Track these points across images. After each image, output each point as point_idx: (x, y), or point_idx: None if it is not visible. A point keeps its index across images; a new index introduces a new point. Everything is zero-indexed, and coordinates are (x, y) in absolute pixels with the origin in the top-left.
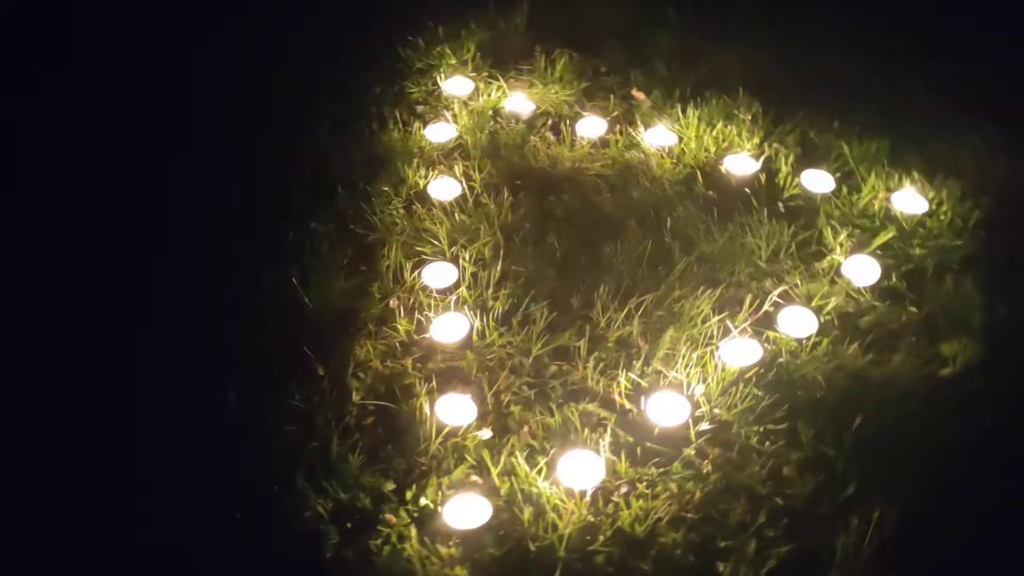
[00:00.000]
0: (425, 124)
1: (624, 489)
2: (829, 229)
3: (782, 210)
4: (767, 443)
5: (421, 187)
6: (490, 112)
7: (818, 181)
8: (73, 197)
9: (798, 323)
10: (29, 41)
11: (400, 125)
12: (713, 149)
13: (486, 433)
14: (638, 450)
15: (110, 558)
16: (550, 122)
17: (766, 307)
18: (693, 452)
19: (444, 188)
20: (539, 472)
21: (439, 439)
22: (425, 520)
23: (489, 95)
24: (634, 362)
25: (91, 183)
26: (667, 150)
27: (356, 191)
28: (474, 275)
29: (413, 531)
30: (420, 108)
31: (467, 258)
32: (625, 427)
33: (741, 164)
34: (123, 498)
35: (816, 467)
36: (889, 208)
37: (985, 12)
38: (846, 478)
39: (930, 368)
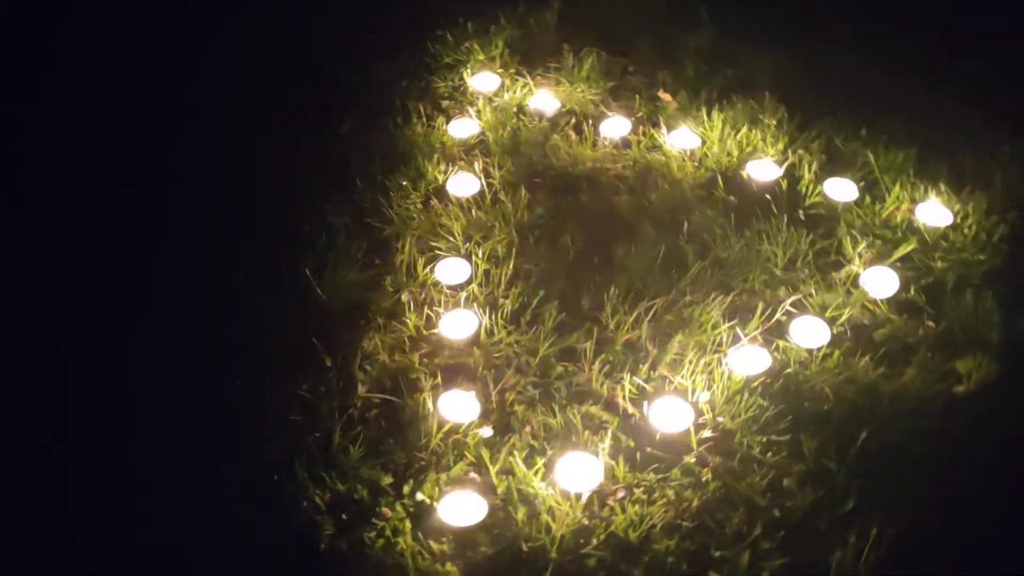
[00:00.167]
0: (449, 119)
1: (621, 494)
2: (849, 239)
3: (802, 218)
4: (769, 454)
5: (440, 182)
6: (514, 109)
7: (841, 189)
8: (86, 194)
9: (811, 333)
10: (32, 38)
11: (424, 120)
12: (736, 153)
13: (487, 431)
14: (638, 455)
15: (110, 557)
16: (574, 121)
17: (778, 316)
18: (693, 460)
19: (463, 184)
20: (537, 472)
21: (440, 435)
22: (420, 515)
23: (515, 92)
24: (640, 366)
25: (105, 176)
26: (689, 153)
27: (375, 184)
28: (486, 272)
29: (407, 526)
30: (445, 103)
31: (480, 255)
32: (627, 431)
33: (764, 170)
34: (123, 497)
35: (817, 480)
36: (912, 219)
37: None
38: (847, 493)
39: (944, 385)
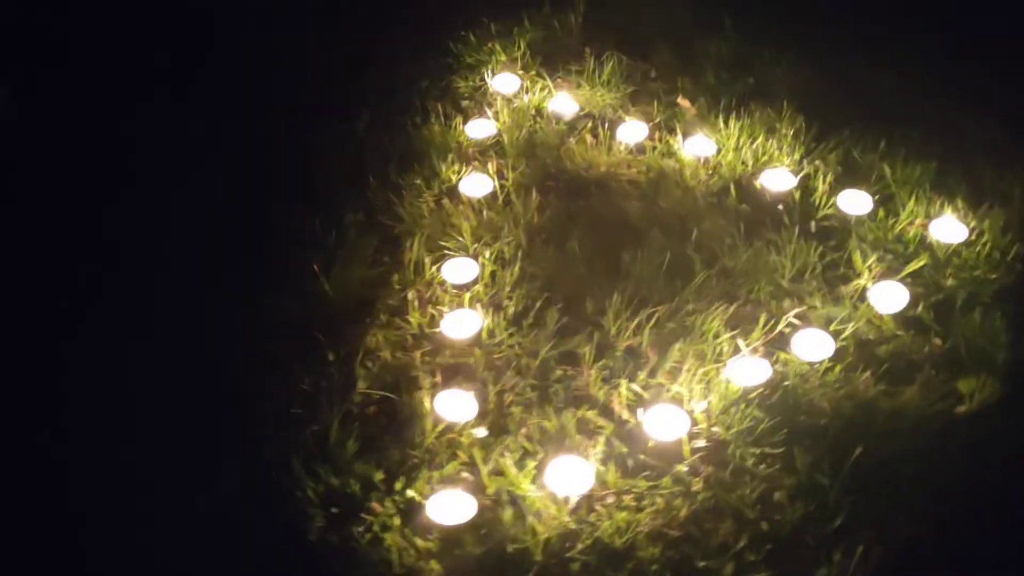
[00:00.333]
0: (467, 119)
1: (610, 499)
2: (859, 252)
3: (813, 229)
4: (762, 466)
5: (453, 182)
6: (532, 111)
7: (856, 202)
8: (86, 194)
9: (815, 346)
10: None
11: (442, 119)
12: (751, 162)
13: (482, 431)
14: (630, 461)
15: (110, 557)
16: (591, 124)
17: (780, 327)
18: (685, 469)
19: (476, 185)
20: (527, 475)
21: (435, 433)
22: (410, 512)
23: (534, 94)
24: (639, 373)
25: (105, 176)
26: (704, 160)
27: (388, 182)
28: (492, 273)
29: (396, 522)
30: (465, 104)
31: (488, 256)
32: (621, 437)
33: (778, 179)
34: (123, 497)
35: (808, 495)
36: (925, 235)
37: None
38: (838, 509)
39: (945, 404)
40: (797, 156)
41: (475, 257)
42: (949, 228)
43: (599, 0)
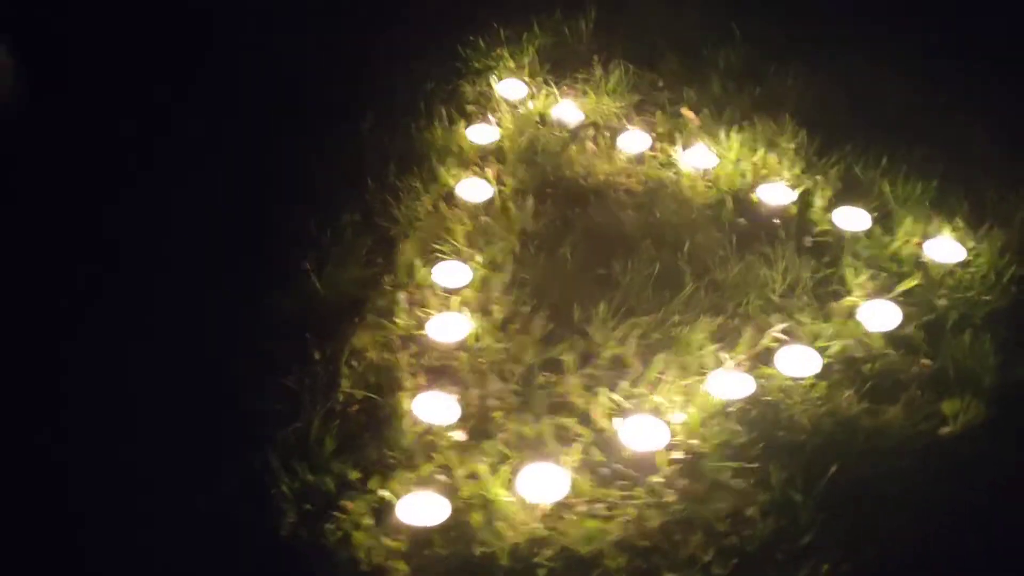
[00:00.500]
0: (470, 124)
1: (582, 508)
2: (852, 270)
3: (808, 245)
4: (737, 480)
5: (451, 186)
6: (536, 118)
7: (853, 219)
8: (86, 194)
9: (800, 362)
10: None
11: (445, 123)
12: (750, 176)
13: (461, 435)
14: (606, 470)
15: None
16: (594, 133)
17: (765, 342)
18: (660, 480)
19: (474, 189)
20: (501, 480)
21: (414, 435)
22: (382, 512)
23: (539, 101)
24: (621, 382)
25: (105, 176)
26: (703, 172)
27: (387, 184)
28: (483, 278)
29: (367, 521)
30: (470, 108)
31: (479, 260)
32: (598, 445)
33: (776, 194)
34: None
35: (781, 511)
36: (920, 254)
37: None
38: (809, 526)
39: (928, 424)
40: (797, 170)
41: (467, 261)
42: (946, 247)
43: (611, 6)
